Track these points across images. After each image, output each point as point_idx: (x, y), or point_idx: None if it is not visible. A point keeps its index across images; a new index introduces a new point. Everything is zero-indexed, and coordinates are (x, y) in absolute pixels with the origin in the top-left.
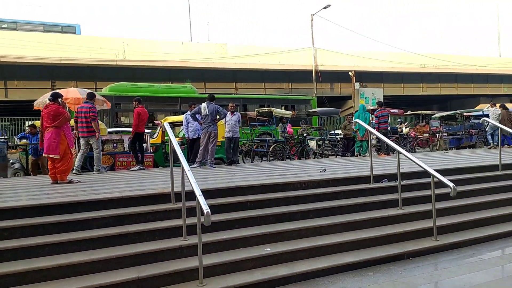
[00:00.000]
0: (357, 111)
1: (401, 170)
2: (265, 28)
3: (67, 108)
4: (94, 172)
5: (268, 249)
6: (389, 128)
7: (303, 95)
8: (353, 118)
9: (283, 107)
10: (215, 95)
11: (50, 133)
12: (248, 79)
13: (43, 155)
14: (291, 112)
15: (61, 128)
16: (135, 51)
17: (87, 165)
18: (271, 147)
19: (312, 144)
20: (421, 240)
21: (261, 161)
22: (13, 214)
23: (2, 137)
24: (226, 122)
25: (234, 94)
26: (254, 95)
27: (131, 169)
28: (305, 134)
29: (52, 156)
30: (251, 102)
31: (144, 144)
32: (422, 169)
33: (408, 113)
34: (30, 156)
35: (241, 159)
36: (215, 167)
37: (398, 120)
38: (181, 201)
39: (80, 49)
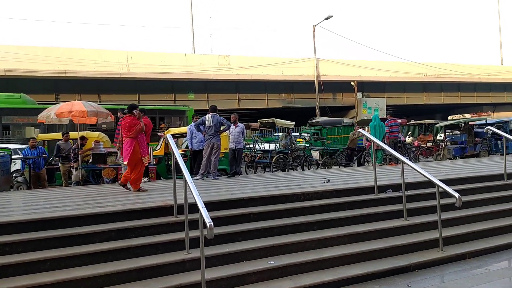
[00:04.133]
0: (371, 121)
1: (406, 180)
2: (268, 40)
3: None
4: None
5: (272, 262)
6: (400, 138)
7: (179, 106)
8: (370, 128)
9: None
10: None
11: (125, 142)
12: (250, 90)
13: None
14: (293, 122)
15: (135, 138)
16: (138, 63)
17: (89, 178)
18: (274, 158)
19: (315, 154)
20: (427, 252)
21: (264, 172)
22: (14, 228)
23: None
24: (229, 133)
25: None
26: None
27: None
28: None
29: (124, 162)
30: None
31: None
32: (427, 179)
33: (411, 122)
34: (30, 169)
35: (244, 170)
36: (218, 178)
37: (409, 132)
38: (184, 213)
39: (84, 62)
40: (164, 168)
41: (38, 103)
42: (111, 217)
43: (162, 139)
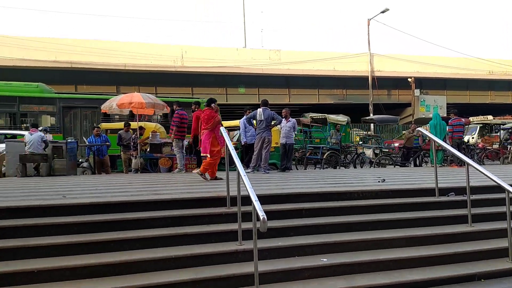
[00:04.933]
0: (431, 119)
1: (470, 184)
2: (319, 34)
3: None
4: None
5: (324, 259)
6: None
7: (193, 98)
8: (429, 126)
9: None
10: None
11: (204, 134)
12: (301, 85)
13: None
14: (346, 119)
15: (213, 130)
16: (192, 57)
17: (147, 166)
18: (325, 155)
19: (369, 152)
20: (494, 261)
21: (315, 168)
22: (78, 210)
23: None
24: (281, 128)
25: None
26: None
27: (193, 172)
28: None
29: (203, 154)
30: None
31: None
32: (495, 184)
33: (474, 122)
34: (94, 156)
35: (294, 166)
36: (268, 172)
37: (473, 133)
38: (237, 205)
39: (142, 56)
40: None
41: (101, 94)
42: (168, 205)
43: None
